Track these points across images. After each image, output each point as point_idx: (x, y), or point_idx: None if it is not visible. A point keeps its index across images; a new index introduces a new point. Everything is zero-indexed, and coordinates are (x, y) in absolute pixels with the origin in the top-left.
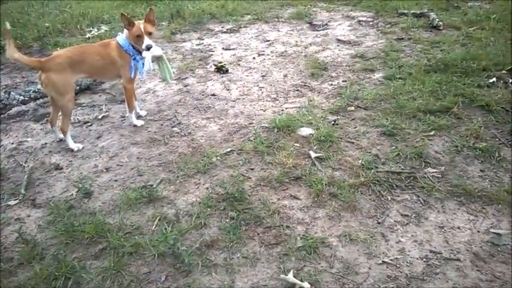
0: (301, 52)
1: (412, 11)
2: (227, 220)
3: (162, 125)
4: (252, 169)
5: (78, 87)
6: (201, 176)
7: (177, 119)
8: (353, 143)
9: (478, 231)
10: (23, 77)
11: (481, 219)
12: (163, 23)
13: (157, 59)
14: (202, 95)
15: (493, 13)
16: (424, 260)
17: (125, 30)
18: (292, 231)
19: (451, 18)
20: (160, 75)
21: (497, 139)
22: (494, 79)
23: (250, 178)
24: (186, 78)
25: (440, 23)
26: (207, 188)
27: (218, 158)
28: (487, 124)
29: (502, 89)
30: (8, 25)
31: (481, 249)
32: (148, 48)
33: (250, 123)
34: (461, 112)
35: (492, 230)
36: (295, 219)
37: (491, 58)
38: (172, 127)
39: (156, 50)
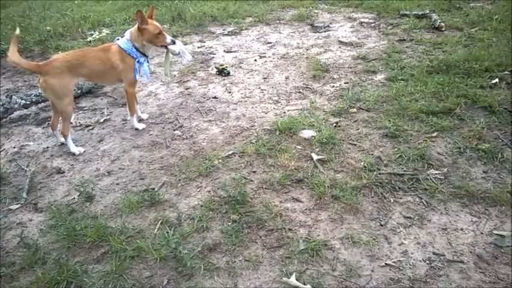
0: (303, 54)
1: (414, 12)
2: (229, 223)
3: (163, 128)
4: (254, 172)
5: (79, 91)
6: (203, 179)
7: (179, 122)
8: (355, 145)
9: (481, 233)
10: (25, 81)
11: (484, 221)
12: (165, 26)
13: (170, 54)
14: (204, 97)
15: (495, 13)
16: (427, 262)
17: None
18: (295, 234)
19: (453, 19)
20: (165, 70)
21: (500, 140)
22: (496, 80)
23: (252, 181)
24: (188, 81)
25: (442, 24)
26: (209, 191)
27: (220, 160)
28: (490, 125)
29: (505, 90)
30: (17, 30)
31: (484, 251)
32: (173, 42)
33: (252, 126)
34: (464, 113)
35: (495, 232)
36: (298, 222)
37: (494, 59)
38: (174, 130)
39: (180, 44)
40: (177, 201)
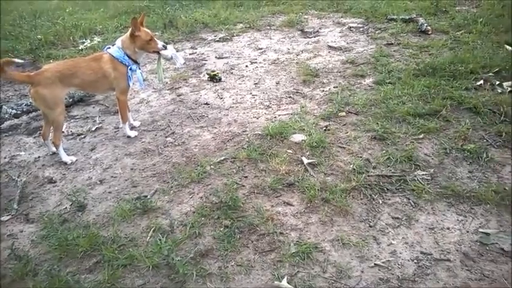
0: (293, 59)
1: (401, 17)
2: (221, 229)
3: (155, 135)
4: (246, 177)
5: (71, 100)
6: (195, 185)
7: (171, 129)
8: (344, 148)
9: (467, 232)
10: (16, 91)
11: (470, 220)
12: (157, 33)
13: (162, 60)
14: (196, 104)
15: (480, 17)
16: (415, 261)
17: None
18: (286, 238)
19: (439, 22)
20: (158, 75)
21: (485, 140)
22: (481, 82)
23: (243, 186)
24: (180, 87)
25: (429, 27)
26: (201, 197)
27: (212, 166)
28: (475, 126)
29: (489, 91)
30: None
31: (470, 249)
32: (165, 47)
33: (243, 131)
34: (450, 115)
35: (481, 230)
36: (289, 226)
37: (479, 61)
38: (166, 137)
39: (171, 48)
40: (170, 208)
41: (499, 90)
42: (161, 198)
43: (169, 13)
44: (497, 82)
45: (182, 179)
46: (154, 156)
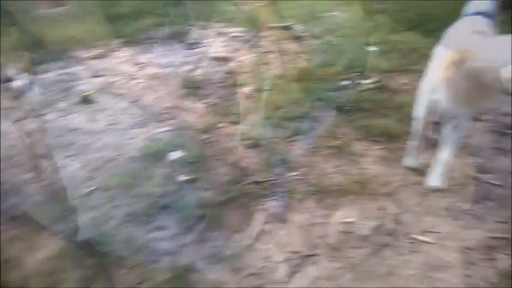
0: (174, 73)
1: (280, 24)
2: (85, 270)
3: (13, 173)
4: (117, 206)
5: None
6: (57, 225)
7: (33, 163)
8: (222, 159)
9: (333, 224)
10: None
11: (335, 212)
12: (22, 53)
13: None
14: (64, 130)
15: (348, 21)
16: (287, 262)
17: None
18: (159, 265)
19: (314, 28)
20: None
21: (348, 135)
22: (346, 82)
23: (114, 217)
24: (45, 114)
25: (304, 33)
26: (63, 238)
27: (78, 200)
28: (340, 123)
29: (353, 90)
30: None
31: (335, 240)
32: (11, 79)
33: (118, 155)
34: (320, 115)
35: (343, 220)
36: (162, 251)
37: (345, 63)
38: (26, 173)
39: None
40: (25, 257)
41: (360, 89)
42: (15, 247)
43: (36, 30)
44: (359, 81)
45: (42, 220)
46: (9, 197)
